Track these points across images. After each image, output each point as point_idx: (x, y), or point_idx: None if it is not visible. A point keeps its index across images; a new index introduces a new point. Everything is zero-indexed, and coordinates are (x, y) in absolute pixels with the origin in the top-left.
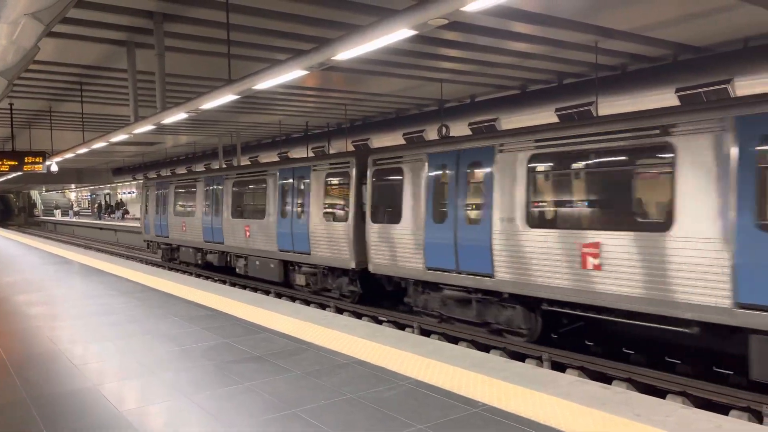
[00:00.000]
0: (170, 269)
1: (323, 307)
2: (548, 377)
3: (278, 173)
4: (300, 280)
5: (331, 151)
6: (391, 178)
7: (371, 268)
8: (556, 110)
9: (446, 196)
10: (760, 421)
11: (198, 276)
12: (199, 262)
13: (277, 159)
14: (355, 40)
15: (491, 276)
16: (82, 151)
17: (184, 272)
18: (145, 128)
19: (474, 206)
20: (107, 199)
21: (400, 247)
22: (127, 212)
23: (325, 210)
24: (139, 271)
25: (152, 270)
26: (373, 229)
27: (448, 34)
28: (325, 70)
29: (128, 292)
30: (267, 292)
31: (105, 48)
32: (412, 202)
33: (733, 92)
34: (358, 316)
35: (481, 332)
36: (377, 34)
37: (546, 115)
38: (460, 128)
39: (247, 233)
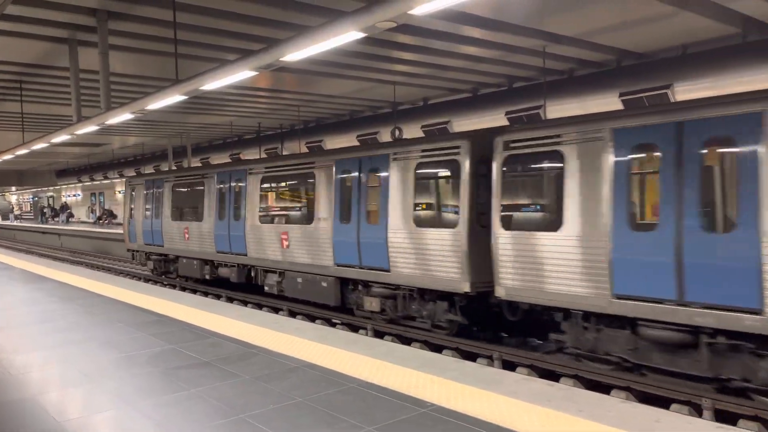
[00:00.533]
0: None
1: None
2: (496, 376)
3: (336, 165)
4: (371, 304)
5: (284, 152)
6: (541, 166)
7: (501, 293)
8: (506, 113)
9: (660, 190)
10: (700, 414)
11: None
12: (207, 276)
13: (236, 157)
14: (304, 41)
15: (758, 312)
16: (22, 152)
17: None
18: (88, 129)
19: (720, 206)
20: (50, 202)
21: (559, 264)
22: (71, 215)
23: (416, 212)
24: (84, 277)
25: (98, 275)
26: (504, 239)
27: (400, 37)
28: (277, 70)
29: (72, 298)
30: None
31: (46, 46)
32: (583, 200)
33: (673, 97)
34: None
35: (429, 334)
36: (326, 36)
37: (497, 119)
38: (413, 130)
39: (285, 243)
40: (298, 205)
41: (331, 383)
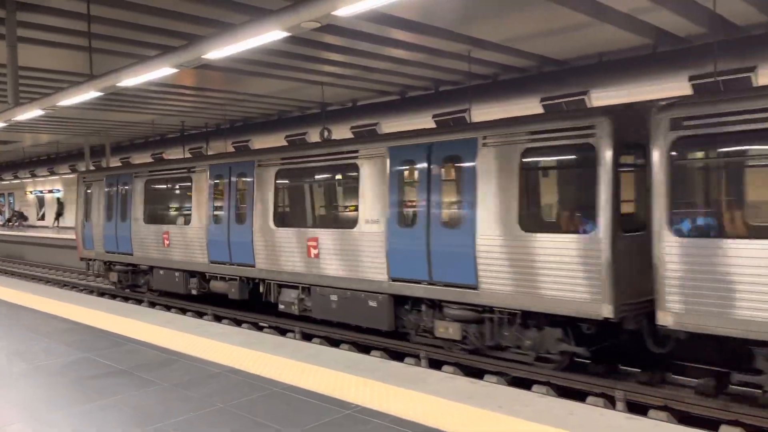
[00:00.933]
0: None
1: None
2: (420, 375)
3: (391, 154)
4: (446, 330)
5: (210, 152)
6: (741, 149)
7: (667, 321)
8: (434, 116)
9: None
10: (614, 405)
11: (166, 308)
12: (194, 292)
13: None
14: (227, 39)
15: None
16: None
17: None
18: None
19: None
20: None
21: None
22: None
23: (523, 213)
24: None
25: (6, 281)
26: (676, 249)
27: (327, 37)
28: (201, 68)
29: None
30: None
31: None
32: None
33: (590, 103)
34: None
35: (362, 335)
36: (250, 34)
37: (424, 121)
38: (342, 132)
39: (313, 251)
40: (334, 204)
41: (255, 388)
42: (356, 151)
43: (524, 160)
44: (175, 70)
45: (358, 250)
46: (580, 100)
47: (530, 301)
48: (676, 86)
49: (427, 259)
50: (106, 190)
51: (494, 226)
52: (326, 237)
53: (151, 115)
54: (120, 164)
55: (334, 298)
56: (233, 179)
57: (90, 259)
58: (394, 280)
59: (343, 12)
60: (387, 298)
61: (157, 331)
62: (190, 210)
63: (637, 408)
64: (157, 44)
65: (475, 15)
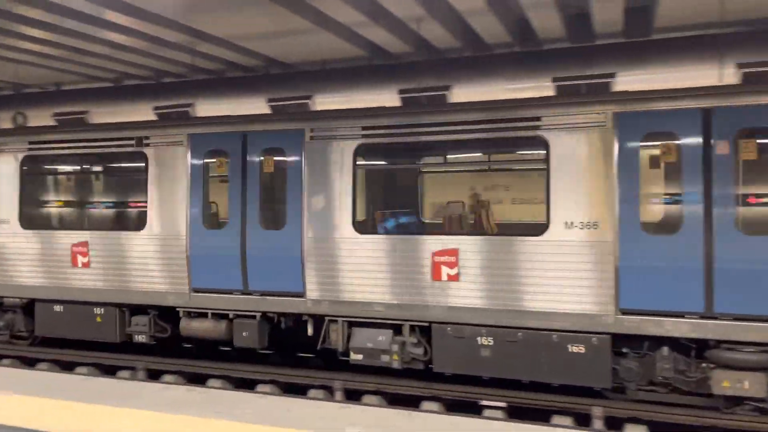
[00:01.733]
0: None
1: None
2: (134, 389)
3: (618, 122)
4: (740, 384)
5: None
6: None
7: None
8: (155, 108)
9: None
10: (348, 397)
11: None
12: (141, 338)
13: None
14: None
15: None
16: None
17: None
18: None
19: None
20: None
21: None
22: None
23: None
24: None
25: None
26: None
27: (26, 9)
28: None
29: None
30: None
31: None
32: None
33: (314, 106)
34: None
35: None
36: None
37: (143, 112)
38: (41, 118)
39: (444, 271)
40: (496, 198)
41: None
42: (538, 119)
43: None
44: None
45: (548, 267)
46: (304, 103)
47: None
48: (387, 97)
49: (706, 279)
50: None
51: None
52: (477, 248)
53: None
54: None
55: (486, 341)
56: (254, 158)
57: None
58: (625, 313)
59: None
60: (606, 340)
61: None
62: (145, 207)
63: (354, 395)
64: None
65: (198, 6)
